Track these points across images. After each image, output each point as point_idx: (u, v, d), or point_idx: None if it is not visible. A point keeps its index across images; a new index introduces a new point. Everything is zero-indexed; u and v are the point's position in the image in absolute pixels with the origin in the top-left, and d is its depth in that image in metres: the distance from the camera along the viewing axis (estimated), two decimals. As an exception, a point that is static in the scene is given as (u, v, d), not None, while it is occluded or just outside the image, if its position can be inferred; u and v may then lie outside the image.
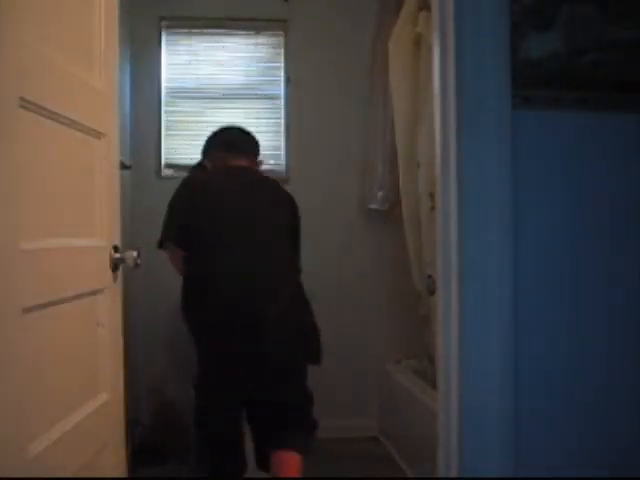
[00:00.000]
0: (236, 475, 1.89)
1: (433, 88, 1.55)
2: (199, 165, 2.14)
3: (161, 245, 1.98)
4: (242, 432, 1.91)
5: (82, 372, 1.19)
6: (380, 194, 2.97)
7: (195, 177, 2.02)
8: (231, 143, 2.08)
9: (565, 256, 1.52)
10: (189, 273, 1.94)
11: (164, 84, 3.03)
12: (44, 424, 1.00)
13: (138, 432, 2.55)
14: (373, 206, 3.00)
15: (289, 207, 2.00)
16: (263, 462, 1.90)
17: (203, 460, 1.92)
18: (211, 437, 1.89)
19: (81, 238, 1.20)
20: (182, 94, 3.05)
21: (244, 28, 3.08)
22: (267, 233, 1.89)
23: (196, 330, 1.90)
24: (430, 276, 2.44)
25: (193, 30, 3.05)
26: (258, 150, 2.14)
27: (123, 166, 1.69)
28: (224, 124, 2.25)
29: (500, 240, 1.46)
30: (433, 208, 2.11)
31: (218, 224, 1.88)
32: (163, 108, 3.02)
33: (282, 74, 3.08)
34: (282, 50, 3.09)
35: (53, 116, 1.04)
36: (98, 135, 1.27)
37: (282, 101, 3.07)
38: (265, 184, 2.03)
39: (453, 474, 1.47)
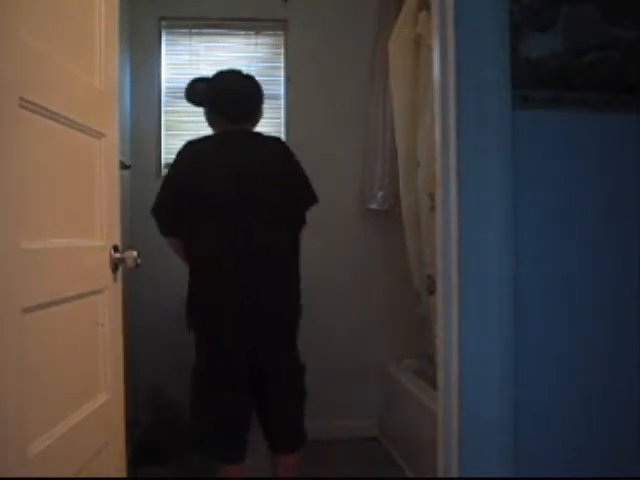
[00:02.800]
0: (237, 459, 1.88)
1: (433, 88, 1.55)
2: (198, 103, 2.11)
3: (165, 234, 1.98)
4: (246, 416, 1.91)
5: (82, 372, 1.19)
6: (380, 194, 2.97)
7: (187, 152, 1.97)
8: (233, 114, 2.04)
9: (565, 255, 1.52)
10: (191, 259, 1.95)
11: (164, 84, 3.03)
12: (44, 424, 1.00)
13: (138, 432, 2.55)
14: (373, 206, 3.00)
15: (285, 175, 1.96)
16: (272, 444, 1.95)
17: (203, 448, 1.92)
18: (213, 419, 1.88)
19: (81, 238, 1.20)
20: (182, 94, 3.04)
21: (244, 28, 3.08)
22: (262, 210, 1.88)
23: (198, 304, 1.90)
24: (430, 276, 2.44)
25: (193, 30, 3.05)
26: (260, 109, 2.10)
27: (123, 166, 1.69)
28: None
29: (500, 240, 1.46)
30: (433, 208, 2.11)
31: (212, 206, 1.87)
32: (163, 108, 3.02)
33: (282, 74, 3.08)
34: (282, 50, 3.09)
35: (53, 116, 1.04)
36: (98, 135, 1.27)
37: (282, 101, 3.07)
38: (260, 152, 1.98)
39: (453, 474, 1.47)
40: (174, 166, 1.97)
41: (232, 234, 1.86)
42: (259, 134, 2.05)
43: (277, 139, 2.07)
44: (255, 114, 2.09)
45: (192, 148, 1.97)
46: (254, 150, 1.97)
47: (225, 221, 1.86)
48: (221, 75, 2.09)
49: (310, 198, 2.03)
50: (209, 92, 2.07)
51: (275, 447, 1.94)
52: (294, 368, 1.94)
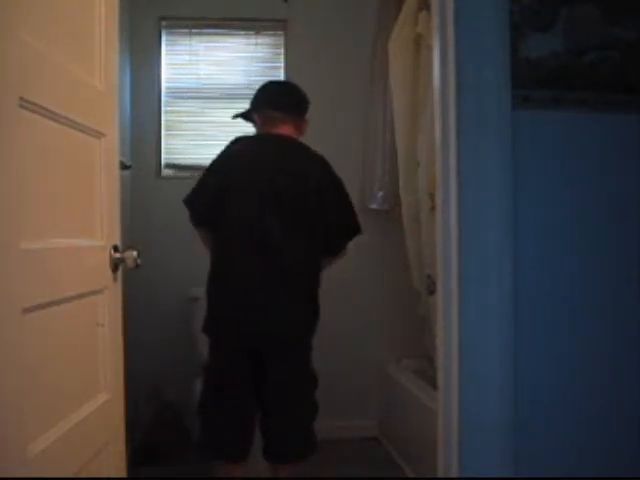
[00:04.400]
0: (237, 458, 1.87)
1: (433, 88, 1.55)
2: (246, 115, 2.09)
3: (195, 224, 1.97)
4: (251, 416, 1.89)
5: (82, 372, 1.19)
6: (380, 194, 2.97)
7: (230, 148, 1.97)
8: (281, 102, 2.02)
9: (565, 255, 1.52)
10: (213, 254, 1.94)
11: (164, 84, 3.03)
12: (44, 424, 1.00)
13: (138, 432, 2.55)
14: (373, 206, 3.00)
15: (317, 186, 1.90)
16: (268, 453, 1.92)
17: (205, 447, 1.90)
18: (217, 416, 1.86)
19: (81, 238, 1.20)
20: (182, 94, 3.05)
21: (244, 28, 3.08)
22: (285, 222, 1.85)
23: (212, 303, 1.90)
24: (430, 276, 2.44)
25: (193, 30, 3.05)
26: (306, 109, 2.08)
27: (123, 166, 1.68)
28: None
29: (500, 240, 1.46)
30: (433, 208, 2.11)
31: (237, 207, 1.86)
32: (163, 108, 3.02)
33: (282, 74, 3.08)
34: (282, 50, 3.09)
35: (53, 116, 1.04)
36: (98, 135, 1.27)
37: (282, 101, 3.07)
38: (295, 162, 1.94)
39: (453, 474, 1.47)
40: (216, 160, 1.96)
41: (252, 239, 1.84)
42: (302, 145, 2.00)
43: (320, 155, 1.99)
44: (298, 109, 2.05)
45: (236, 145, 1.97)
46: (298, 157, 1.95)
47: (252, 220, 1.84)
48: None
49: (354, 230, 1.97)
50: (260, 89, 2.08)
51: (273, 458, 1.92)
52: (304, 378, 1.91)
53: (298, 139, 2.02)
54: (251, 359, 1.86)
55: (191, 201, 1.95)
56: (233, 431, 1.86)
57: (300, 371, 1.91)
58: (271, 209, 1.84)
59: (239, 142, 1.98)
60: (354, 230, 1.97)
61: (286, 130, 1.99)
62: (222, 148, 1.98)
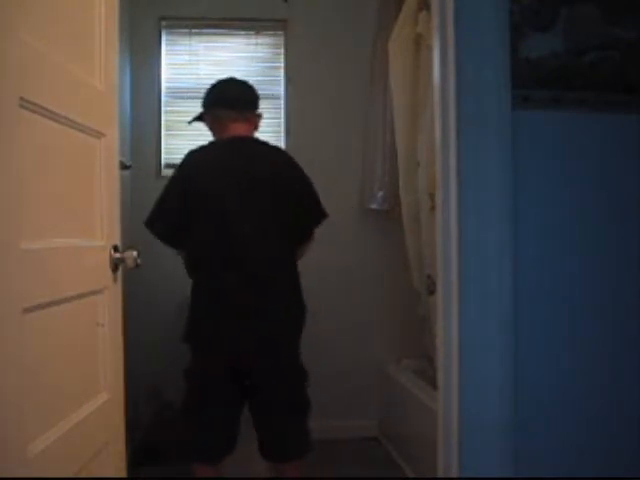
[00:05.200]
0: (211, 460, 1.86)
1: (433, 88, 1.55)
2: (199, 118, 2.07)
3: (166, 243, 1.94)
4: (238, 417, 1.88)
5: (82, 372, 1.19)
6: (380, 194, 2.97)
7: (189, 161, 1.94)
8: (230, 100, 1.99)
9: (565, 255, 1.52)
10: (189, 266, 1.93)
11: (164, 84, 3.03)
12: (44, 424, 1.00)
13: (138, 432, 2.55)
14: (373, 206, 3.00)
15: (282, 180, 1.90)
16: (265, 452, 1.91)
17: (184, 448, 1.89)
18: (198, 419, 1.85)
19: (81, 238, 1.20)
20: (182, 94, 3.05)
21: (244, 28, 3.08)
22: (261, 220, 1.84)
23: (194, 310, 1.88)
24: (430, 276, 2.44)
25: (193, 30, 3.05)
26: (257, 103, 2.05)
27: (123, 166, 1.68)
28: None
29: (500, 240, 1.46)
30: (433, 208, 2.11)
31: (210, 215, 1.84)
32: (163, 108, 3.03)
33: (282, 74, 3.08)
34: (282, 50, 3.09)
35: (53, 116, 1.04)
36: (98, 135, 1.27)
37: (282, 101, 3.07)
38: (257, 161, 1.92)
39: (453, 474, 1.47)
40: (174, 175, 1.93)
41: (229, 243, 1.82)
42: (262, 142, 2.00)
43: (279, 149, 2.00)
44: (253, 105, 2.03)
45: (193, 157, 1.93)
46: (257, 158, 1.93)
47: (223, 230, 1.82)
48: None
49: (319, 215, 1.99)
50: (209, 90, 2.05)
51: (273, 457, 1.92)
52: (296, 375, 1.90)
53: (253, 136, 2.01)
54: (236, 363, 1.85)
55: (151, 223, 1.89)
56: (217, 433, 1.86)
57: (292, 369, 1.90)
58: (241, 213, 1.83)
59: (194, 154, 1.95)
60: (321, 215, 2.00)
61: (239, 128, 1.97)
62: (179, 163, 1.95)
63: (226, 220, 1.83)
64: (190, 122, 2.12)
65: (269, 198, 1.86)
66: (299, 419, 1.91)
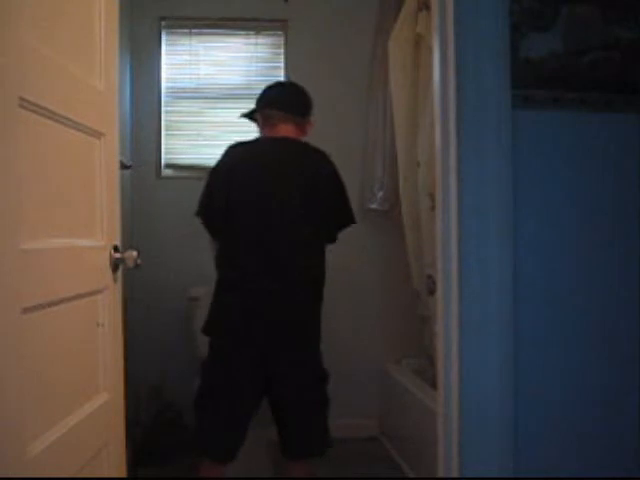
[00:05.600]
0: (223, 458, 1.86)
1: (433, 88, 1.55)
2: (250, 115, 2.08)
3: (213, 235, 1.95)
4: (249, 417, 1.88)
5: (82, 372, 1.19)
6: (380, 194, 2.97)
7: (230, 155, 1.94)
8: (283, 102, 2.01)
9: (565, 255, 1.52)
10: (217, 263, 1.93)
11: (164, 84, 3.03)
12: (44, 424, 1.00)
13: (138, 432, 2.55)
14: (373, 206, 3.00)
15: (322, 189, 1.92)
16: (287, 448, 1.91)
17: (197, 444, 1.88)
18: (223, 414, 1.84)
19: (81, 238, 1.20)
20: (182, 94, 3.05)
21: (244, 28, 3.08)
22: (294, 224, 1.86)
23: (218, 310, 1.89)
24: (430, 276, 2.44)
25: (193, 30, 3.05)
26: (310, 110, 2.07)
27: (123, 166, 1.68)
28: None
29: (500, 240, 1.46)
30: (433, 208, 2.11)
31: (243, 211, 1.86)
32: (163, 108, 3.03)
33: (282, 74, 3.08)
34: (282, 50, 3.09)
35: (53, 116, 1.04)
36: (98, 135, 1.27)
37: (282, 101, 3.07)
38: (296, 162, 1.94)
39: (453, 474, 1.47)
40: (216, 167, 1.94)
41: (261, 243, 1.83)
42: (303, 143, 2.00)
43: (321, 152, 2.00)
44: (302, 109, 2.04)
45: (234, 151, 1.95)
46: (295, 159, 1.94)
47: (255, 228, 1.84)
48: None
49: (348, 219, 2.00)
50: (265, 90, 2.07)
51: (288, 454, 1.92)
52: (316, 375, 1.92)
53: (298, 139, 2.01)
54: (258, 359, 1.85)
55: (200, 212, 1.92)
56: (230, 431, 1.86)
57: (315, 366, 1.92)
58: (274, 213, 1.85)
59: (236, 147, 1.96)
60: (350, 221, 2.02)
61: (287, 130, 1.98)
62: (221, 154, 1.95)
63: (260, 219, 1.84)
64: (242, 116, 2.12)
65: (302, 200, 1.87)
66: (321, 415, 1.93)
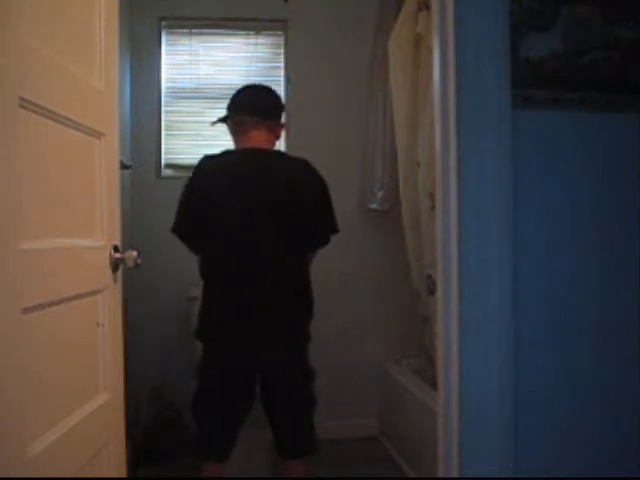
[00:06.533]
0: (220, 458, 1.87)
1: (433, 88, 1.55)
2: (224, 121, 2.06)
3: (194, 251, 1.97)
4: (237, 419, 1.89)
5: (82, 372, 1.19)
6: (380, 194, 2.97)
7: (205, 167, 1.93)
8: (254, 107, 1.98)
9: (565, 255, 1.52)
10: (201, 272, 1.95)
11: (164, 84, 3.03)
12: (44, 424, 1.00)
13: (138, 432, 2.55)
14: (373, 206, 3.00)
15: (300, 200, 1.89)
16: (282, 448, 1.93)
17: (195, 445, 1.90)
18: (207, 416, 1.86)
19: (81, 238, 1.20)
20: (182, 94, 3.05)
21: (244, 28, 3.08)
22: (272, 229, 1.85)
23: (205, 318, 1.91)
24: (430, 276, 2.44)
25: (193, 30, 3.05)
26: (281, 113, 2.05)
27: (123, 166, 1.68)
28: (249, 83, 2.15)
29: (500, 240, 1.46)
30: (433, 208, 2.11)
31: (222, 223, 1.86)
32: (163, 108, 3.02)
33: (282, 74, 3.08)
34: (282, 50, 3.09)
35: (53, 116, 1.04)
36: (98, 135, 1.27)
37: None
38: (273, 178, 1.90)
39: (453, 474, 1.47)
40: (191, 179, 1.93)
41: (234, 257, 1.84)
42: (279, 154, 1.99)
43: (303, 161, 1.97)
44: (275, 113, 2.02)
45: (209, 163, 1.94)
46: (267, 172, 1.91)
47: (233, 239, 1.84)
48: None
49: (330, 228, 1.98)
50: (234, 95, 2.05)
51: (283, 453, 1.94)
52: (302, 375, 1.92)
53: (272, 148, 2.01)
54: (248, 366, 1.86)
55: (179, 232, 1.91)
56: (224, 432, 1.87)
57: (301, 371, 1.92)
58: (257, 223, 1.84)
59: (211, 160, 1.94)
60: (333, 230, 2.00)
61: (259, 136, 1.96)
62: (193, 169, 1.94)
63: (236, 231, 1.84)
64: (213, 123, 2.11)
65: (276, 213, 1.86)
66: (309, 415, 1.93)
